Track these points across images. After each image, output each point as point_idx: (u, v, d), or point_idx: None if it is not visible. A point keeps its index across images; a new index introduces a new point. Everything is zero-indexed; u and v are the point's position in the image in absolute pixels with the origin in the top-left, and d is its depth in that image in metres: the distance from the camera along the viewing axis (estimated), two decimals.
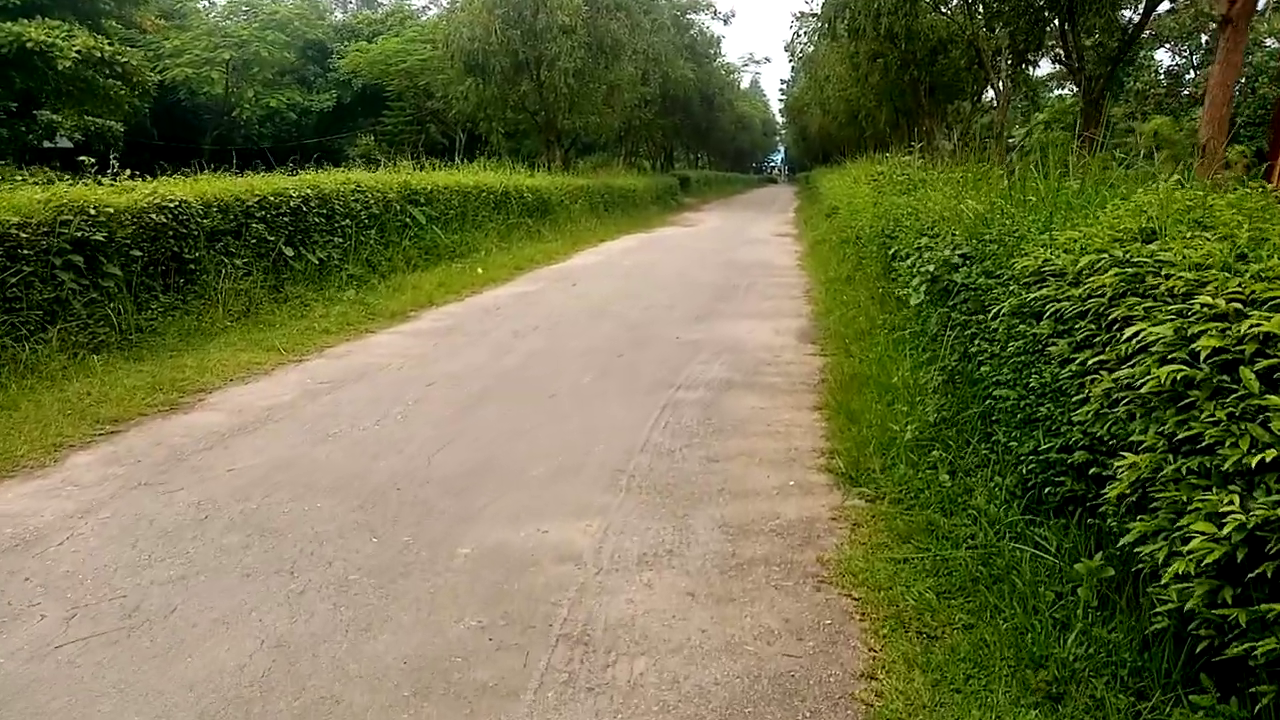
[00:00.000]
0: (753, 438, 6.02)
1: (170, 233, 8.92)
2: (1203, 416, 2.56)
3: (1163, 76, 44.71)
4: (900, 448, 5.19)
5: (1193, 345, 2.67)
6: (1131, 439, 2.91)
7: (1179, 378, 2.66)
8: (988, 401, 4.59)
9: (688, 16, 42.31)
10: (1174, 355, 2.73)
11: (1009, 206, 5.44)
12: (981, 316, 4.81)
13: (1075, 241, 3.92)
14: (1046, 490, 3.88)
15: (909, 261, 5.90)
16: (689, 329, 9.98)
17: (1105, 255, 3.52)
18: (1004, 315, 4.25)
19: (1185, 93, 46.29)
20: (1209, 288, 2.86)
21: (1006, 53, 16.06)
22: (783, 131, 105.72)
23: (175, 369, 7.65)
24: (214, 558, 4.18)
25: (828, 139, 42.35)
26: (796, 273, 15.22)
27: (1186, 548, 2.42)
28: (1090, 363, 3.34)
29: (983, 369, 4.68)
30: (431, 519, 4.66)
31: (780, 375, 7.73)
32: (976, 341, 4.84)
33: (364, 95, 42.06)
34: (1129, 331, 2.98)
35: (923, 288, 5.53)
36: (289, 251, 10.90)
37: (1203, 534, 2.39)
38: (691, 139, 55.03)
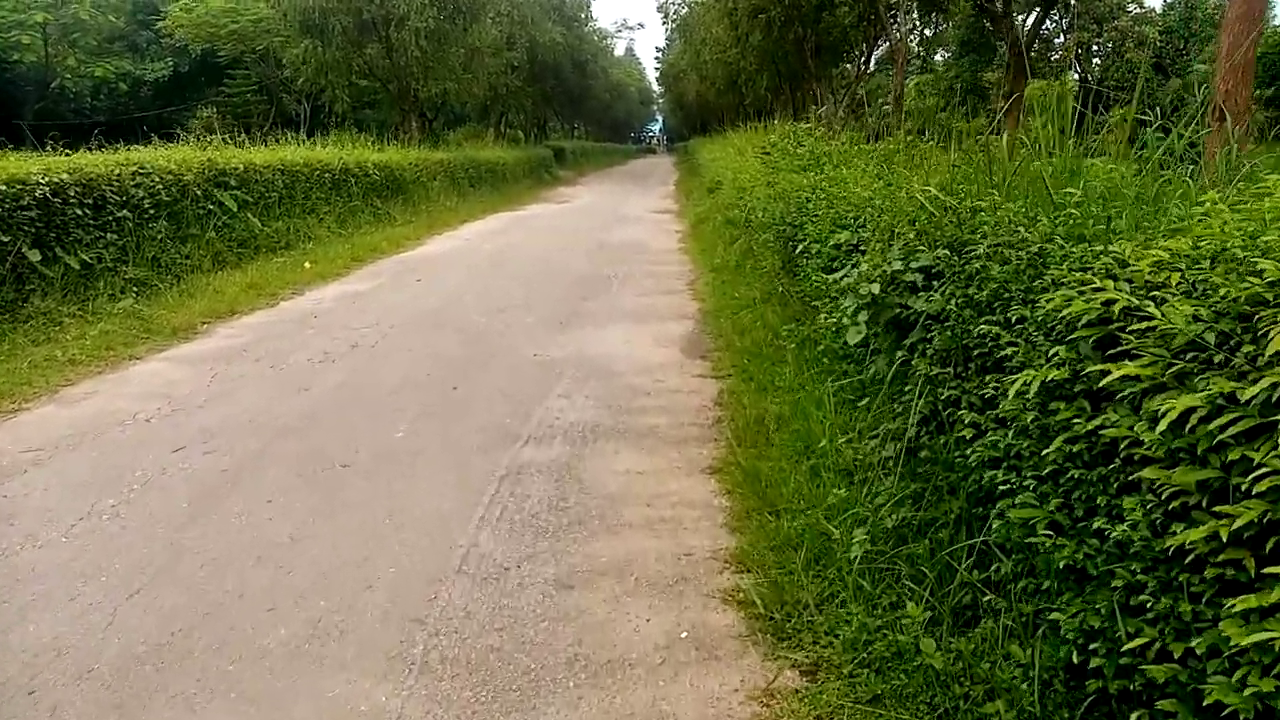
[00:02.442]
0: (626, 533, 4.15)
1: None
2: None
3: (1034, 39, 44.69)
4: (844, 567, 3.41)
5: None
6: None
7: None
8: (992, 516, 2.83)
9: None
10: None
11: (985, 192, 3.70)
12: (971, 377, 3.05)
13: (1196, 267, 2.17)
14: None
15: (837, 275, 4.11)
16: (548, 340, 8.04)
17: None
18: (1030, 395, 2.48)
19: (1055, 56, 46.62)
20: None
21: (909, 2, 14.61)
22: (660, 100, 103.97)
23: None
24: None
25: (706, 107, 40.64)
26: (678, 258, 13.42)
27: None
28: None
29: (973, 456, 2.92)
30: None
31: (664, 413, 5.88)
32: (961, 408, 3.08)
33: (204, 63, 38.24)
34: None
35: (861, 317, 3.75)
36: (34, 255, 8.44)
37: None
38: (564, 108, 52.57)
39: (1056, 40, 45.44)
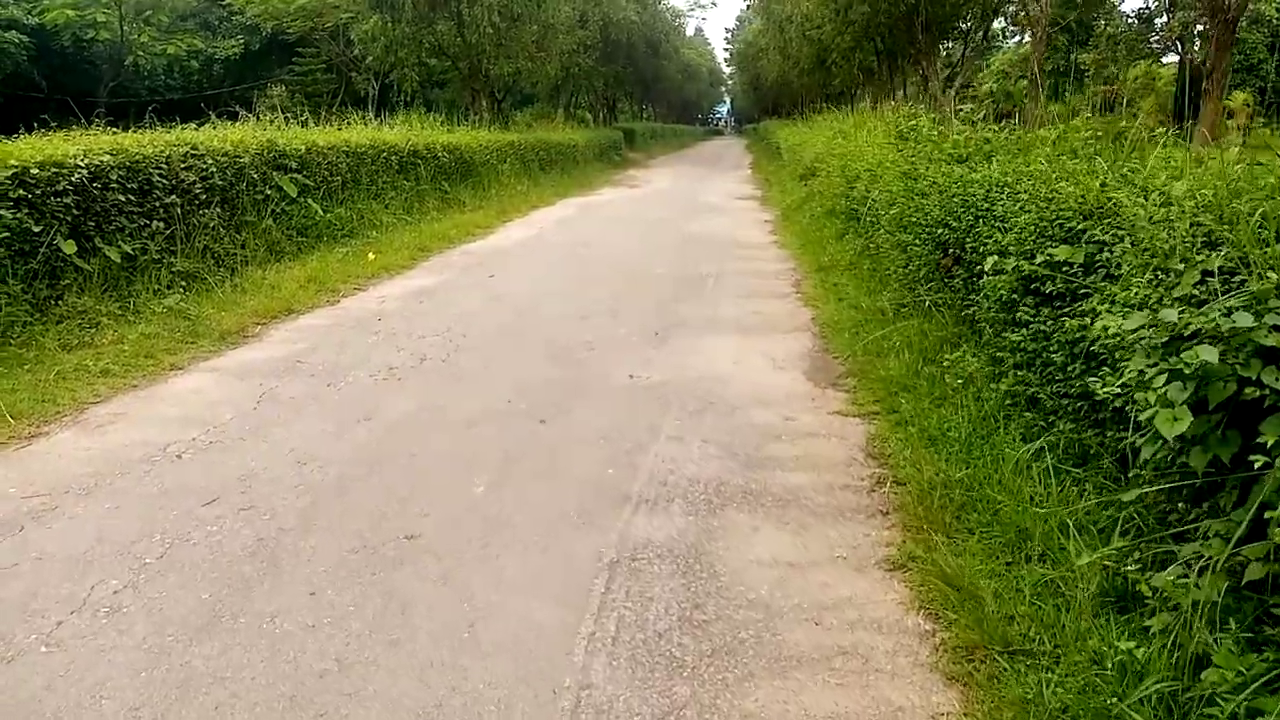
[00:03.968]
0: (796, 675, 2.97)
1: None
2: None
3: (1133, 20, 42.08)
4: None
5: None
6: None
7: None
8: None
9: None
10: None
11: None
12: None
13: None
14: None
15: (1124, 324, 2.82)
16: (644, 357, 6.88)
17: None
18: None
19: (1155, 38, 43.91)
20: None
21: None
22: (729, 81, 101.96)
23: None
24: None
25: (785, 88, 38.96)
26: (774, 253, 12.14)
27: None
28: None
29: None
30: None
31: (804, 467, 4.67)
32: None
33: (274, 41, 37.75)
34: None
35: (1180, 396, 2.46)
36: (69, 247, 7.53)
37: None
38: (635, 89, 51.22)
39: (1158, 21, 42.80)
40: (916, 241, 6.65)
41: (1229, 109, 24.33)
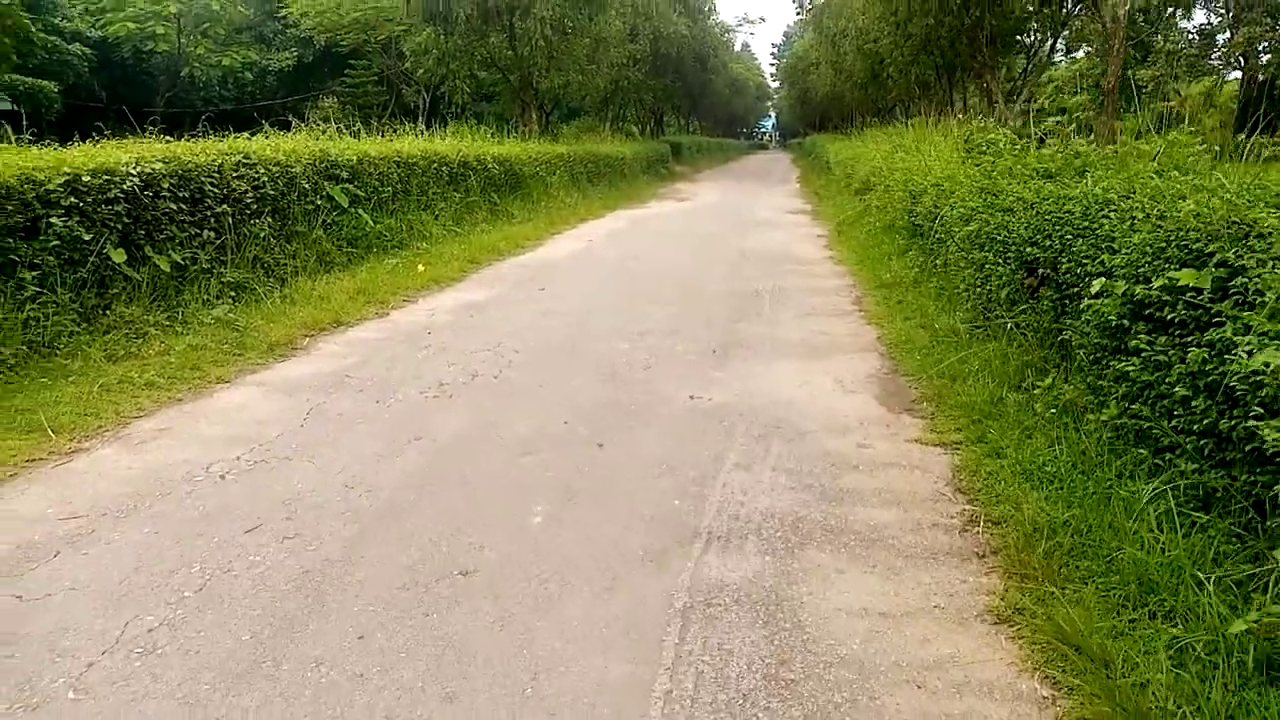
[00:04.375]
0: None
1: None
2: None
3: (1195, 36, 41.02)
4: None
5: None
6: None
7: None
8: None
9: None
10: None
11: None
12: None
13: None
14: None
15: (1271, 356, 2.46)
16: (704, 377, 6.56)
17: None
18: None
19: (1215, 55, 42.79)
20: None
21: None
22: (775, 96, 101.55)
23: None
24: None
25: (836, 102, 38.49)
26: (831, 269, 11.77)
27: None
28: None
29: None
30: None
31: (887, 501, 4.32)
32: None
33: (327, 54, 38.12)
34: None
35: None
36: (118, 256, 7.40)
37: None
38: (683, 102, 51.04)
39: (1220, 37, 41.72)
40: (996, 260, 6.26)
41: None
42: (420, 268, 11.01)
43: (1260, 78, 42.22)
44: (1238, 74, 43.19)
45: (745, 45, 72.53)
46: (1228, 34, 42.35)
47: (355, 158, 11.45)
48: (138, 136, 9.59)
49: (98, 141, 8.68)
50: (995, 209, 6.37)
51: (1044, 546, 3.57)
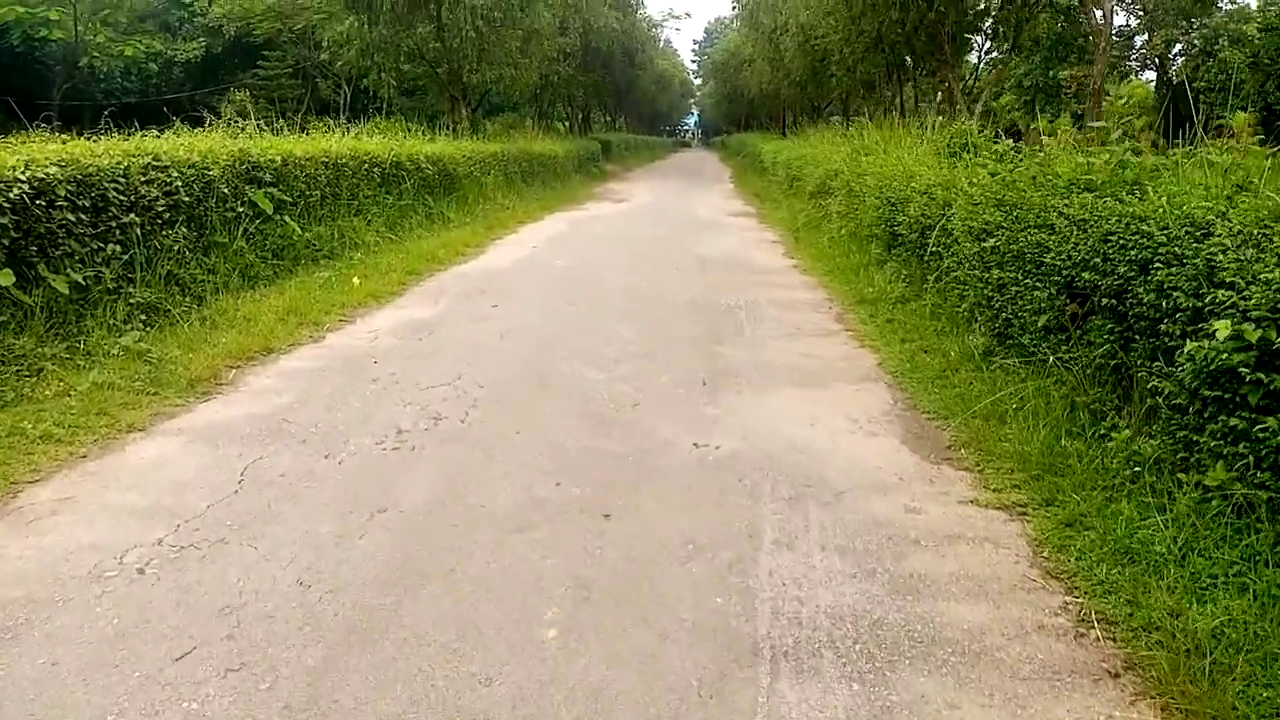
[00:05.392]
0: None
1: None
2: None
3: (1116, 38, 41.76)
4: None
5: None
6: None
7: None
8: None
9: None
10: None
11: None
12: None
13: None
14: None
15: None
16: (698, 415, 5.77)
17: None
18: None
19: (1133, 57, 43.68)
20: None
21: None
22: (698, 93, 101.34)
23: None
24: None
25: (767, 100, 38.00)
26: (800, 280, 11.09)
27: None
28: None
29: None
30: None
31: (967, 590, 3.56)
32: None
33: (237, 44, 36.17)
34: None
35: None
36: (4, 278, 6.26)
37: None
38: (611, 99, 50.14)
39: (1138, 39, 42.59)
40: (1026, 282, 5.61)
41: (1231, 129, 23.79)
42: (356, 281, 9.98)
43: (1173, 79, 43.07)
44: (1152, 74, 44.19)
45: (668, 41, 71.91)
46: (1145, 36, 43.23)
47: (279, 158, 10.35)
48: (28, 133, 8.41)
49: None
50: (1023, 224, 5.71)
51: (1204, 666, 2.87)
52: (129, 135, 8.86)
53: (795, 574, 3.70)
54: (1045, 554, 3.85)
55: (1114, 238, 4.57)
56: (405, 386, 6.36)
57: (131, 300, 7.41)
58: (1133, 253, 4.40)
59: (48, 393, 5.91)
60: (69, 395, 5.87)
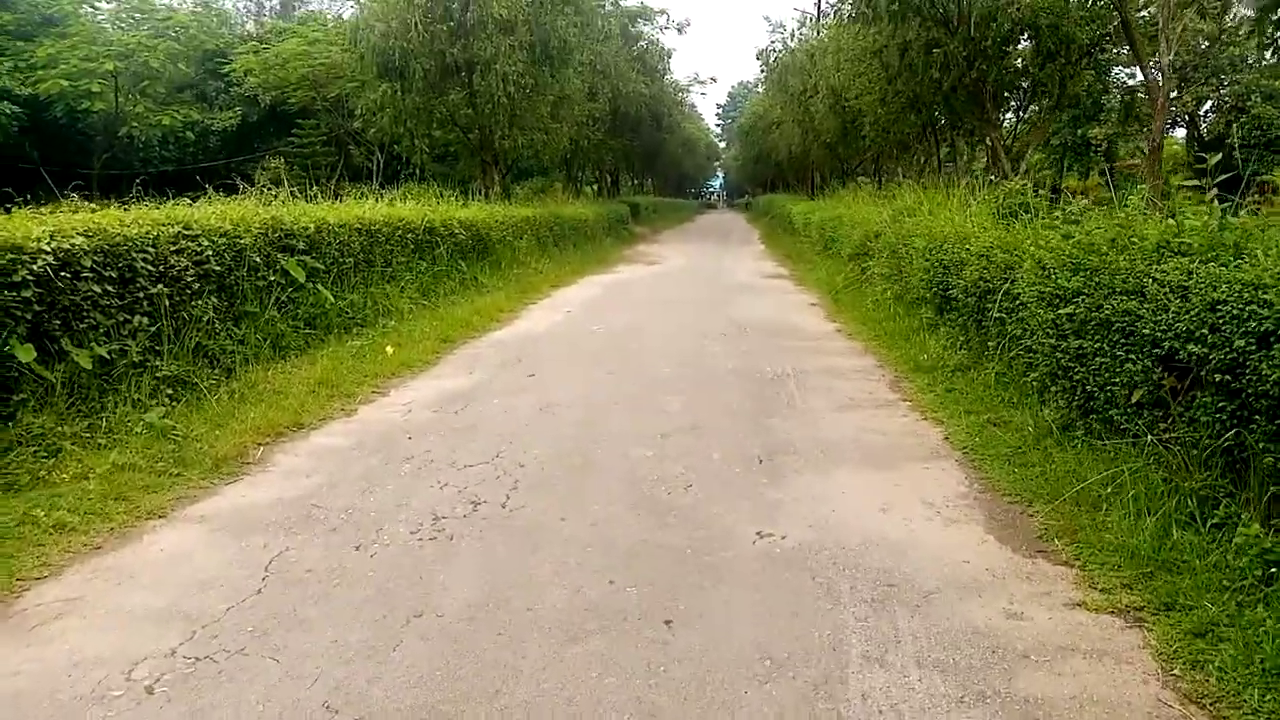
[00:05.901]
0: None
1: None
2: None
3: (1145, 95, 41.57)
4: None
5: None
6: None
7: None
8: None
9: (637, 26, 37.74)
10: None
11: None
12: None
13: None
14: None
15: None
16: (761, 500, 5.33)
17: None
18: None
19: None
20: None
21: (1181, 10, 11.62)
22: (722, 155, 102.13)
23: None
24: None
25: (795, 162, 37.99)
26: (844, 345, 10.68)
27: None
28: None
29: None
30: None
31: None
32: None
33: (272, 113, 36.72)
34: None
35: None
36: (24, 354, 5.98)
37: None
38: (639, 162, 50.41)
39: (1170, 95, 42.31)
40: (1114, 352, 5.16)
41: (1273, 184, 23.31)
42: (389, 349, 9.69)
43: (1205, 135, 42.70)
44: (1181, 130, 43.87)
45: (693, 105, 72.60)
46: (1175, 93, 43.05)
47: (312, 226, 10.14)
48: (60, 202, 8.24)
49: (9, 211, 7.29)
50: (1106, 289, 5.29)
51: None
52: (162, 204, 8.67)
53: (893, 698, 3.22)
54: (1177, 671, 3.35)
55: (1224, 307, 4.14)
56: (441, 466, 5.98)
57: (158, 374, 7.11)
58: (1251, 324, 3.96)
59: (65, 475, 5.59)
60: (87, 478, 5.53)
